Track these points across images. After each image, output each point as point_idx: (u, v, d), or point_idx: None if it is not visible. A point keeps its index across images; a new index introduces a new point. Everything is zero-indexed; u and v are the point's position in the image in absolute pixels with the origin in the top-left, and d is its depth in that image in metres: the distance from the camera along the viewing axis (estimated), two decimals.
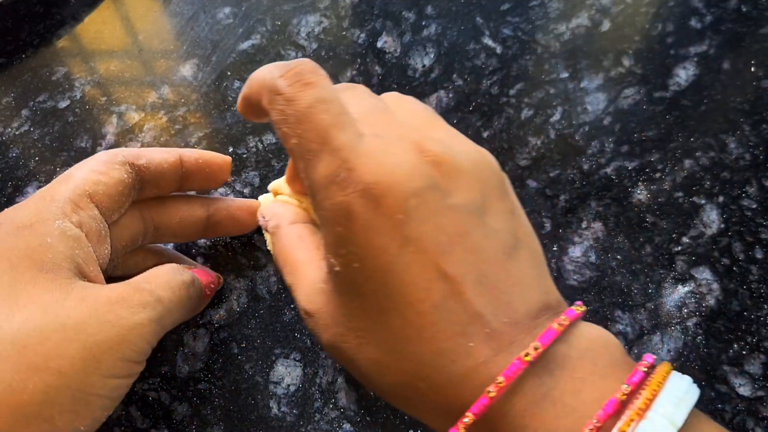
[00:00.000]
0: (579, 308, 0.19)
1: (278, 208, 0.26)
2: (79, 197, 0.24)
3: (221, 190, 0.36)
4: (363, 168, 0.17)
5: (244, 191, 0.35)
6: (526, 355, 0.17)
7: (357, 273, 0.18)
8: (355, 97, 0.21)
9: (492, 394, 0.17)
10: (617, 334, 0.30)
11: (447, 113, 0.37)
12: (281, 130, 0.19)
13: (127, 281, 0.23)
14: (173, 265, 0.25)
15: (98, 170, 0.25)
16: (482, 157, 0.21)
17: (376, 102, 0.21)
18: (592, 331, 0.19)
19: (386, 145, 0.18)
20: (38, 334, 0.19)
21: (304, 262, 0.22)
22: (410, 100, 0.23)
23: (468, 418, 0.17)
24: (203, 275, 0.28)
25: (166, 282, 0.23)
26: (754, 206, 0.33)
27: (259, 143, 0.37)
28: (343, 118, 0.18)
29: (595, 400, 0.17)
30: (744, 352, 0.29)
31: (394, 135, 0.19)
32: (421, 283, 0.17)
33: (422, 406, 0.19)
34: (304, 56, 0.41)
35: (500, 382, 0.17)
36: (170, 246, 0.33)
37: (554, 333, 0.17)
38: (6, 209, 0.24)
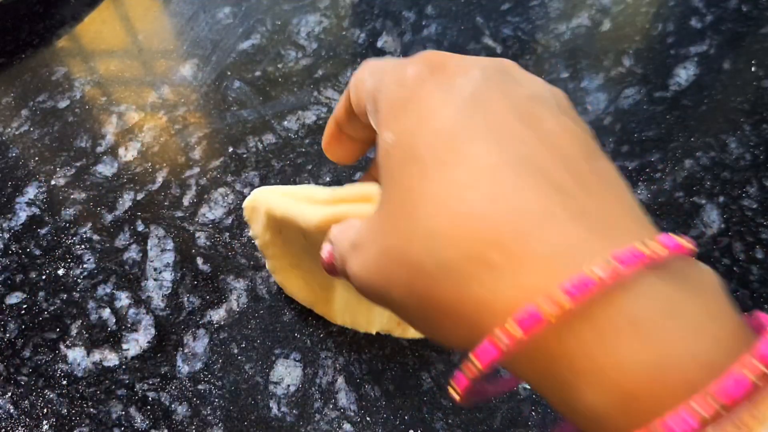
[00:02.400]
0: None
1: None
2: None
3: (221, 189, 0.36)
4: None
5: (244, 191, 0.35)
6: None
7: (414, 136, 0.15)
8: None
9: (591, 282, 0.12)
10: None
11: None
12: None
13: None
14: None
15: None
16: None
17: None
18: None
19: None
20: None
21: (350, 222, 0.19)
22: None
23: (511, 326, 0.12)
24: None
25: None
26: (755, 206, 0.33)
27: (259, 143, 0.37)
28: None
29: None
30: None
31: None
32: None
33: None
34: (303, 56, 0.41)
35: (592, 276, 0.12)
36: (170, 247, 0.33)
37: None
38: None
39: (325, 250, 0.20)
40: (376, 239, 0.16)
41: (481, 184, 0.14)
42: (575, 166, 0.15)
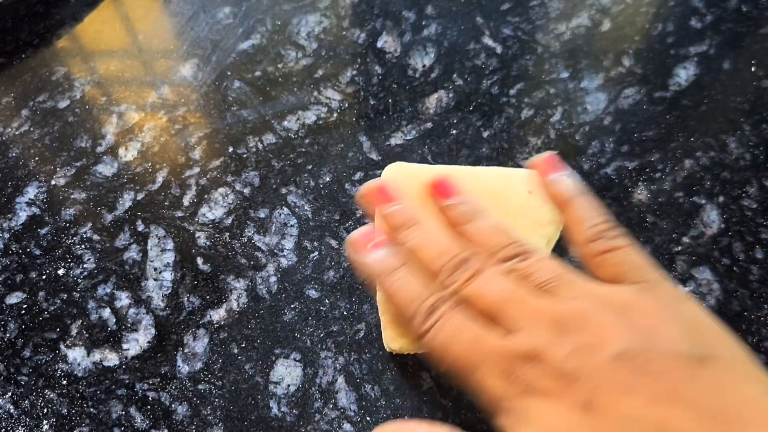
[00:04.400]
0: None
1: None
2: None
3: (221, 189, 0.36)
4: None
5: (244, 191, 0.35)
6: None
7: None
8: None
9: None
10: None
11: (447, 113, 0.37)
12: None
13: None
14: None
15: None
16: None
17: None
18: None
19: None
20: None
21: None
22: None
23: None
24: None
25: None
26: (755, 206, 0.33)
27: (259, 143, 0.37)
28: None
29: None
30: None
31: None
32: None
33: None
34: (303, 56, 0.41)
35: None
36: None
37: None
38: None
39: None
40: None
41: None
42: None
